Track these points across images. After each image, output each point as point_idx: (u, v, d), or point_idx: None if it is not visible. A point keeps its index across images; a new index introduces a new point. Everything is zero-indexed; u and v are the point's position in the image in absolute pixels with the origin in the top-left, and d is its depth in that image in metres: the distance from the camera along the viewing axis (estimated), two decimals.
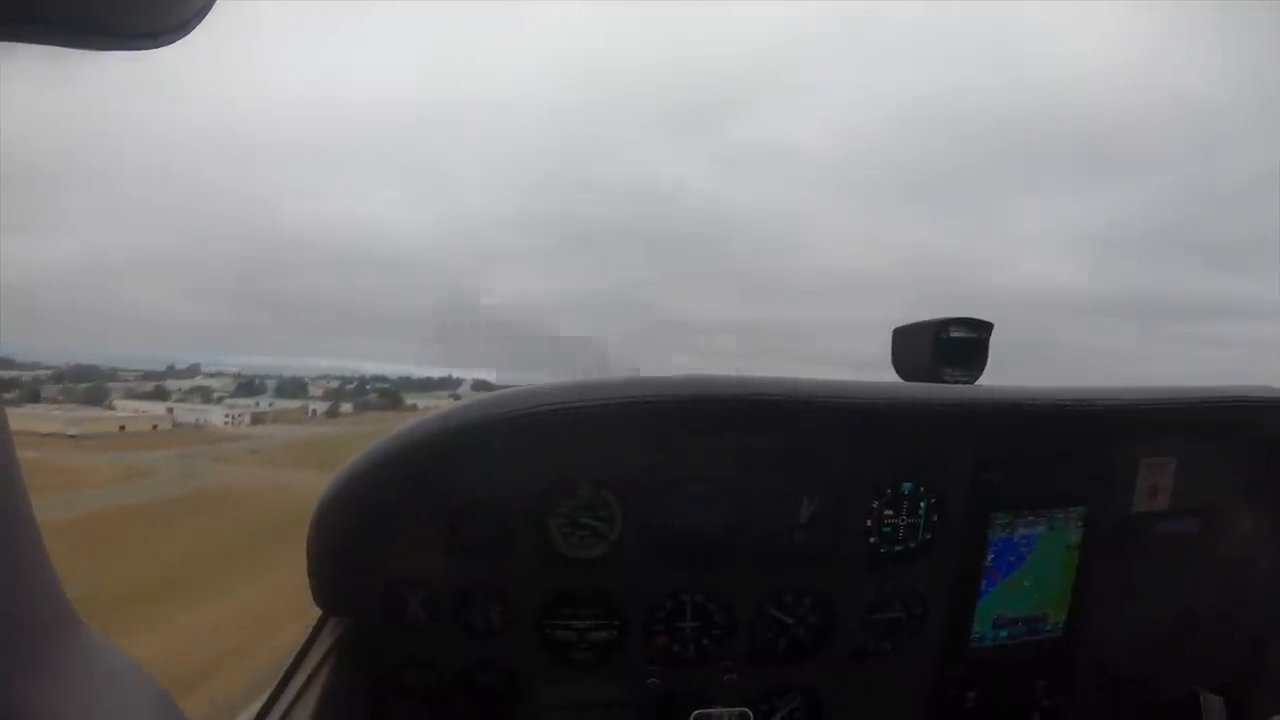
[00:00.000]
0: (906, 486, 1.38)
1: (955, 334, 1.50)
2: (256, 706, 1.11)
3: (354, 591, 1.28)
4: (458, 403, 1.21)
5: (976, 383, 1.51)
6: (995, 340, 1.53)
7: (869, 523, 1.37)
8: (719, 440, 1.29)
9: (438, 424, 1.17)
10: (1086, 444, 1.48)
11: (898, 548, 1.39)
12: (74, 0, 0.48)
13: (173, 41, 0.54)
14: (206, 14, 0.55)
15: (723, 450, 1.30)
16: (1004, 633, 1.50)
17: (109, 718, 0.59)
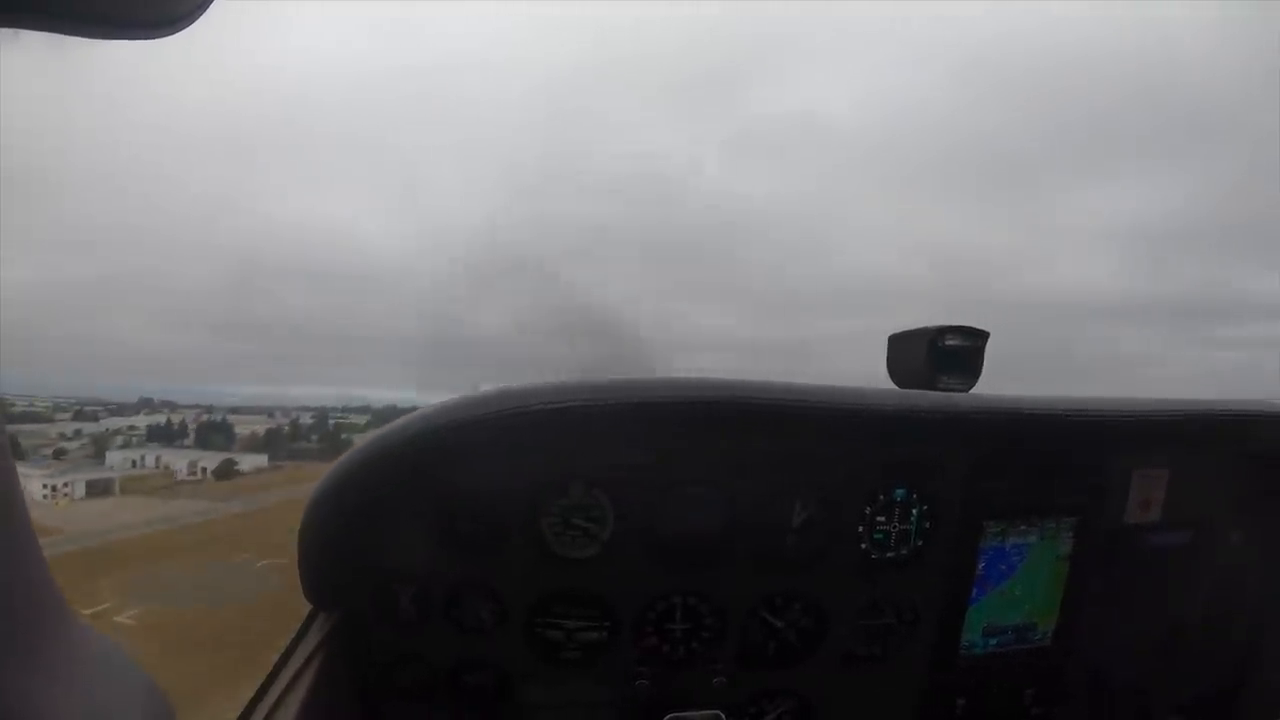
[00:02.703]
0: (899, 493, 1.38)
1: (951, 342, 1.50)
2: (243, 701, 1.11)
3: (344, 587, 1.27)
4: (451, 399, 1.20)
5: (971, 391, 1.52)
6: (992, 348, 1.54)
7: (861, 529, 1.37)
8: (712, 443, 1.29)
9: (431, 420, 1.16)
10: (1080, 454, 1.48)
11: (889, 554, 1.40)
12: None
13: (175, 31, 0.54)
14: (210, 4, 0.55)
15: (716, 453, 1.30)
16: (994, 641, 1.50)
17: (99, 707, 0.59)
